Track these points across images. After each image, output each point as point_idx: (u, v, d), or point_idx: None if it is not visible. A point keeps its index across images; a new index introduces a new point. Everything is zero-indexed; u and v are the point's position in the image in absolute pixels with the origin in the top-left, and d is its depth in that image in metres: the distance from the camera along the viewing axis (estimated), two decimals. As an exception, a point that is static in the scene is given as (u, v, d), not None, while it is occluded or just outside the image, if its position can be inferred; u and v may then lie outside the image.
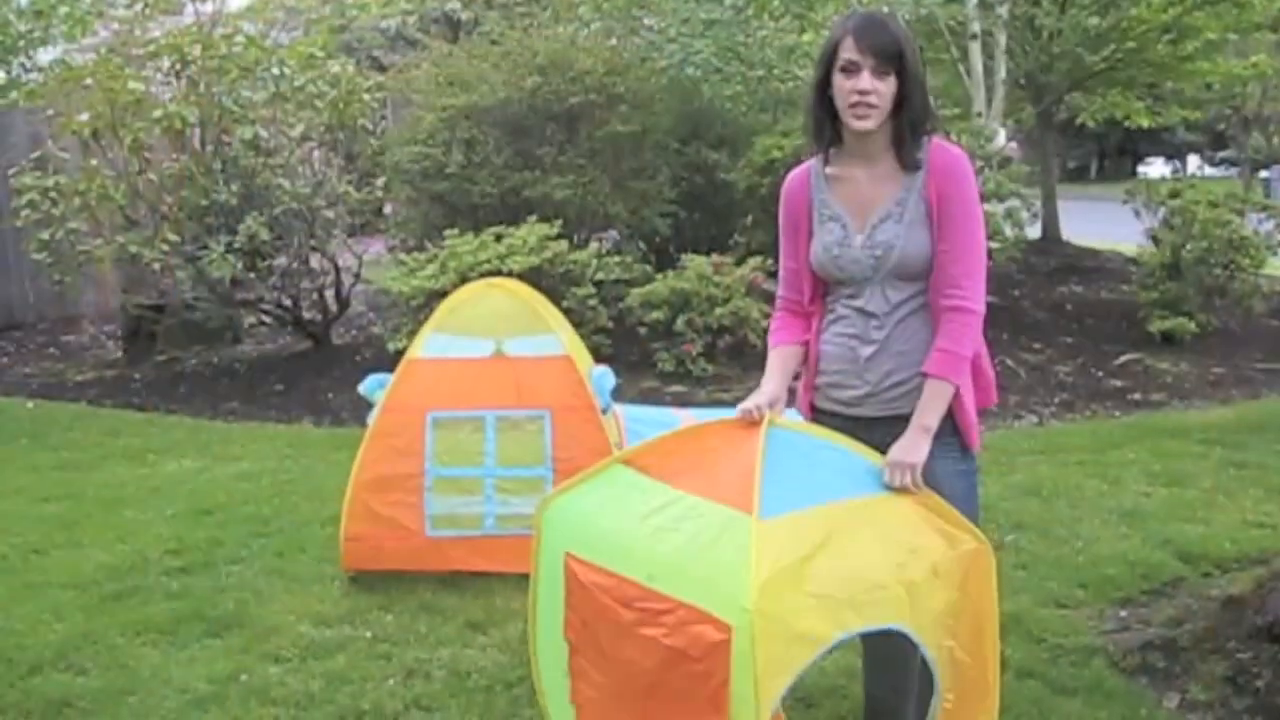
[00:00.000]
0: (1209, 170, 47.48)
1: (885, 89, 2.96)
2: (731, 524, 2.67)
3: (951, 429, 3.07)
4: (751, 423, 2.95)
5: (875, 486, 2.92)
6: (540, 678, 3.18)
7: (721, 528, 2.68)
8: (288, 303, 10.56)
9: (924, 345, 3.06)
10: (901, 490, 2.91)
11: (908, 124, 3.02)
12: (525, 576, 5.03)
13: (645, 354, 9.29)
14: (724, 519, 2.70)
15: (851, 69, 2.96)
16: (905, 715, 3.27)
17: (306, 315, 10.76)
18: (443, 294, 7.26)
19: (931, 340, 3.05)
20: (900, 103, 2.99)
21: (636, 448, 3.10)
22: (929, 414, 3.00)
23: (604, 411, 5.32)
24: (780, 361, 3.24)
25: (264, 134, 10.01)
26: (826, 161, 3.18)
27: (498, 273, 8.19)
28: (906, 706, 3.24)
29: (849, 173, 3.12)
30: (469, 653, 4.48)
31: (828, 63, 3.02)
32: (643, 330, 9.28)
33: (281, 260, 10.35)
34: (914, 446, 2.95)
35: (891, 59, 2.95)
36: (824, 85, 3.05)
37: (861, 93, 2.95)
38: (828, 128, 3.11)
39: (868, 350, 3.11)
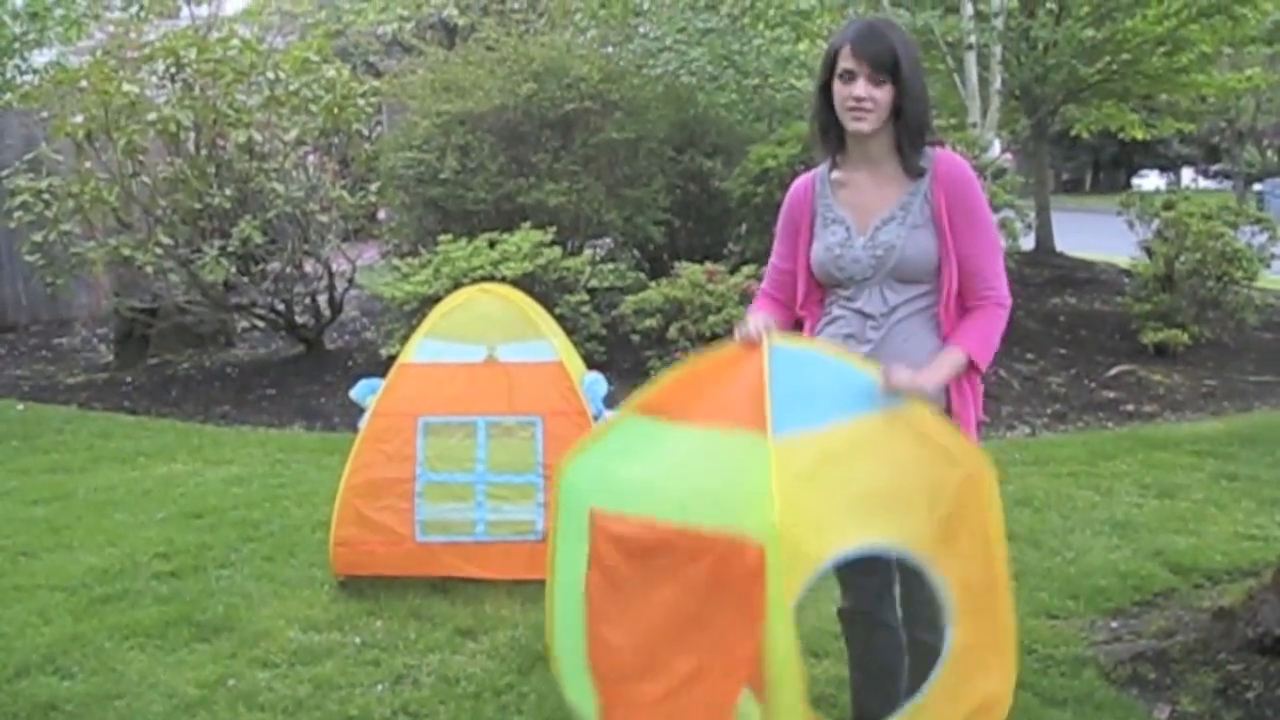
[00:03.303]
0: (1203, 183, 47.56)
1: (881, 95, 3.02)
2: (749, 447, 2.70)
3: None
4: (752, 344, 2.94)
5: (877, 404, 2.90)
6: (557, 651, 3.12)
7: (741, 452, 2.71)
8: (281, 307, 10.55)
9: (921, 348, 3.08)
10: (897, 387, 2.88)
11: (906, 129, 3.07)
12: (515, 583, 5.08)
13: (638, 361, 9.27)
14: (742, 443, 2.73)
15: (848, 76, 3.04)
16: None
17: (299, 320, 10.75)
18: (436, 299, 7.24)
19: (929, 344, 3.08)
20: (899, 109, 3.03)
21: (646, 393, 3.08)
22: (936, 370, 3.01)
23: (596, 418, 5.30)
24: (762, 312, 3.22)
25: (258, 138, 10.00)
26: (834, 167, 3.23)
27: (491, 279, 8.17)
28: (892, 712, 3.23)
29: (853, 178, 3.18)
30: (458, 659, 4.47)
31: (828, 69, 3.10)
32: (636, 338, 9.27)
33: (275, 264, 10.35)
34: (913, 373, 2.94)
35: (887, 67, 3.01)
36: (826, 91, 3.12)
37: (857, 99, 3.02)
38: (833, 133, 3.17)
39: (863, 350, 3.12)
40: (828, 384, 2.90)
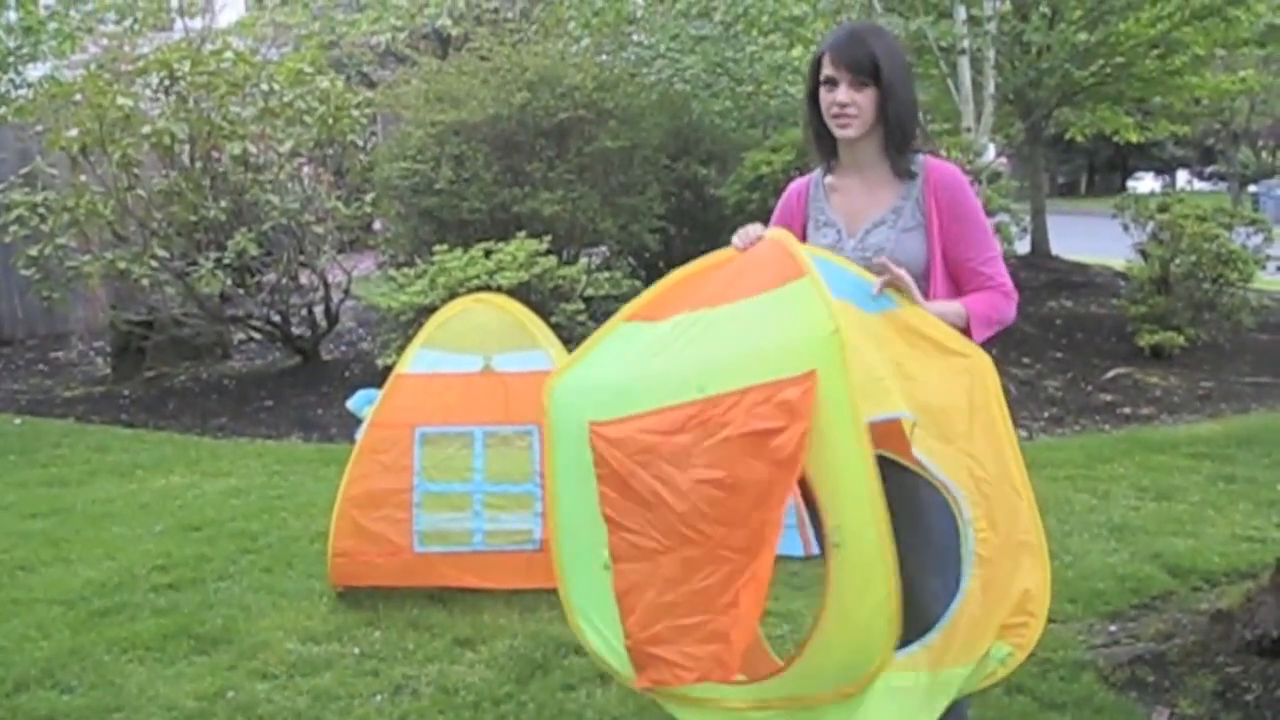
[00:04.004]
0: (1198, 185, 47.67)
1: (864, 100, 3.06)
2: (783, 295, 2.74)
3: None
4: (750, 243, 2.98)
5: (874, 306, 2.92)
6: (568, 592, 2.99)
7: (770, 305, 2.76)
8: (277, 319, 10.55)
9: None
10: (891, 281, 2.88)
11: (891, 131, 3.11)
12: (513, 593, 5.08)
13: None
14: (770, 299, 2.78)
15: (831, 83, 3.09)
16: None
17: (295, 331, 10.76)
18: (432, 309, 7.24)
19: None
20: (884, 112, 3.07)
21: (634, 302, 3.05)
22: (935, 304, 3.01)
23: (593, 426, 5.30)
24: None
25: (253, 150, 10.01)
26: (828, 172, 3.27)
27: (487, 288, 8.17)
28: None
29: (844, 183, 3.21)
30: (457, 669, 4.47)
31: (814, 77, 3.14)
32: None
33: (271, 276, 10.36)
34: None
35: (867, 71, 3.04)
36: (815, 99, 3.16)
37: (840, 105, 3.07)
38: (826, 139, 3.21)
39: None
40: (833, 278, 2.87)
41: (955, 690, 2.81)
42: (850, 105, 3.05)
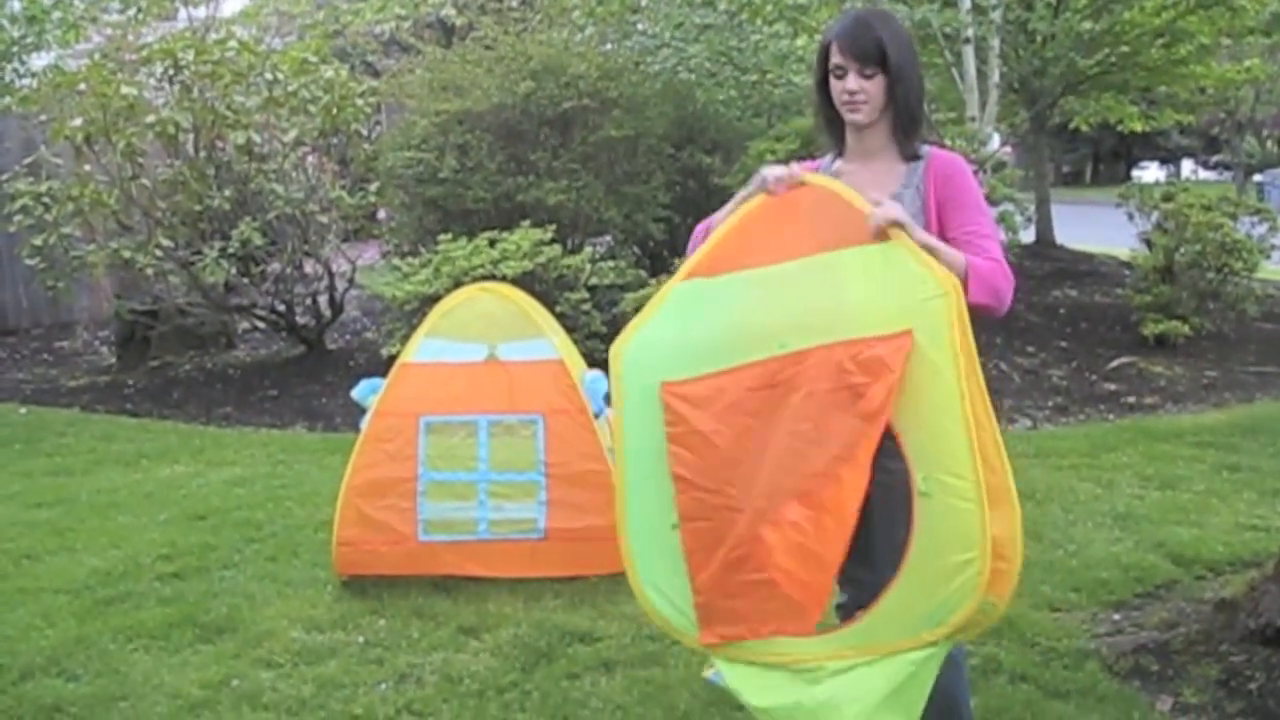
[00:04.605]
0: (1203, 174, 47.55)
1: (874, 87, 3.05)
2: (872, 254, 2.77)
3: None
4: (788, 187, 2.96)
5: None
6: (632, 557, 3.00)
7: (858, 263, 2.79)
8: (281, 308, 10.56)
9: None
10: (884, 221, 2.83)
11: (899, 115, 3.10)
12: (518, 581, 5.10)
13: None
14: (855, 257, 2.80)
15: (840, 72, 3.07)
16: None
17: (300, 320, 10.76)
18: (436, 299, 7.24)
19: None
20: (893, 96, 3.06)
21: (689, 262, 3.05)
22: (939, 244, 2.96)
23: (597, 416, 5.31)
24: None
25: (257, 139, 10.00)
26: (838, 157, 3.25)
27: (491, 277, 8.17)
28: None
29: (851, 169, 3.20)
30: (461, 658, 4.48)
31: (822, 64, 3.13)
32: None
33: (275, 265, 10.36)
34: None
35: (875, 59, 3.03)
36: (824, 86, 3.15)
37: (850, 93, 3.06)
38: (837, 124, 3.20)
39: None
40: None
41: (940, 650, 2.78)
42: (860, 93, 3.04)
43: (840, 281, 2.82)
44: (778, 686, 2.82)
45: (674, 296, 3.02)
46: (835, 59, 3.06)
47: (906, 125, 3.11)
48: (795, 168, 3.01)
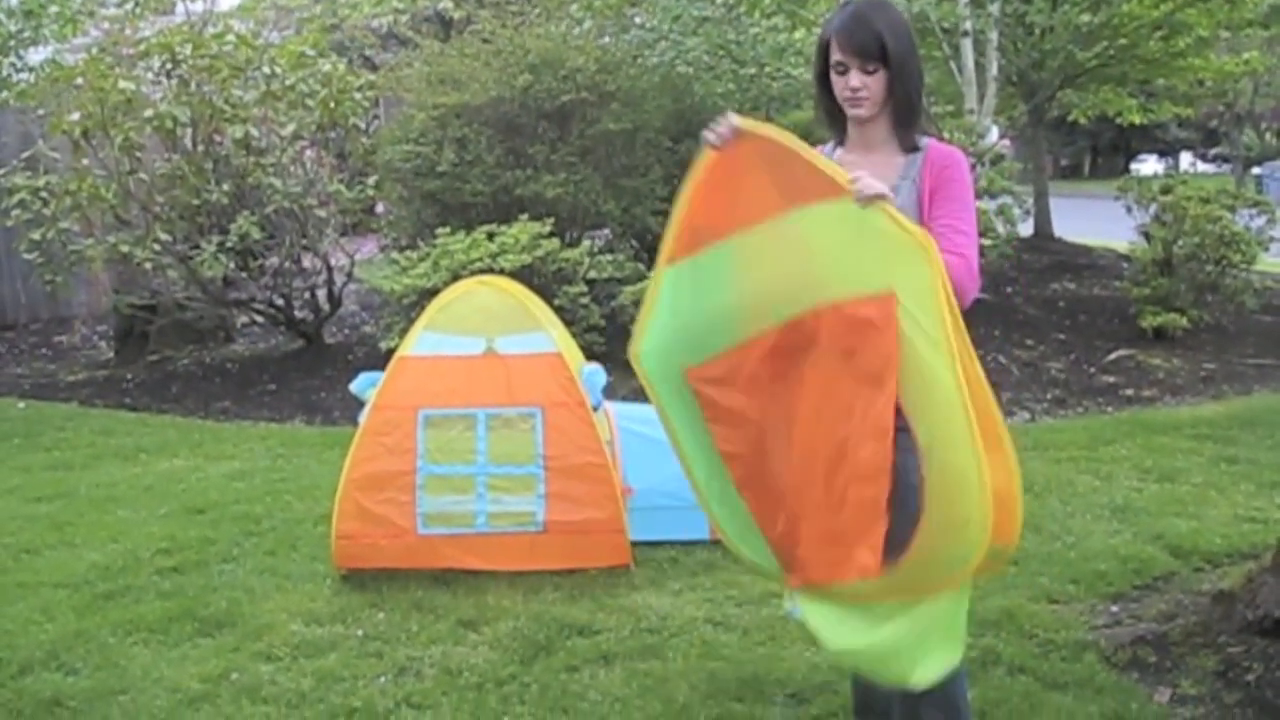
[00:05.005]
0: (1202, 167, 47.54)
1: (875, 83, 3.05)
2: (841, 212, 2.82)
3: None
4: (729, 141, 3.06)
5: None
6: (721, 525, 3.26)
7: (830, 221, 2.87)
8: (280, 302, 10.55)
9: None
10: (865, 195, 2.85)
11: (899, 107, 3.09)
12: (516, 574, 5.10)
13: (637, 352, 9.28)
14: (828, 214, 2.87)
15: (841, 68, 3.07)
16: (890, 708, 3.28)
17: (298, 314, 10.76)
18: (434, 292, 7.24)
19: None
20: (893, 88, 3.06)
21: (665, 247, 3.17)
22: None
23: (595, 409, 5.32)
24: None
25: (255, 133, 9.99)
26: (839, 146, 3.26)
27: (489, 271, 8.17)
28: (891, 699, 3.26)
29: (851, 159, 3.20)
30: (460, 650, 4.49)
31: (823, 59, 3.12)
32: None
33: (273, 259, 10.36)
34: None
35: (875, 55, 3.02)
36: (825, 79, 3.14)
37: (853, 89, 3.05)
38: (839, 116, 3.20)
39: None
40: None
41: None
42: (862, 89, 3.03)
43: (812, 242, 2.91)
44: (851, 630, 2.93)
45: (667, 284, 3.14)
46: (836, 55, 3.05)
47: (907, 117, 3.10)
48: (729, 117, 3.07)
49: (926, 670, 2.80)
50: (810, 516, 2.94)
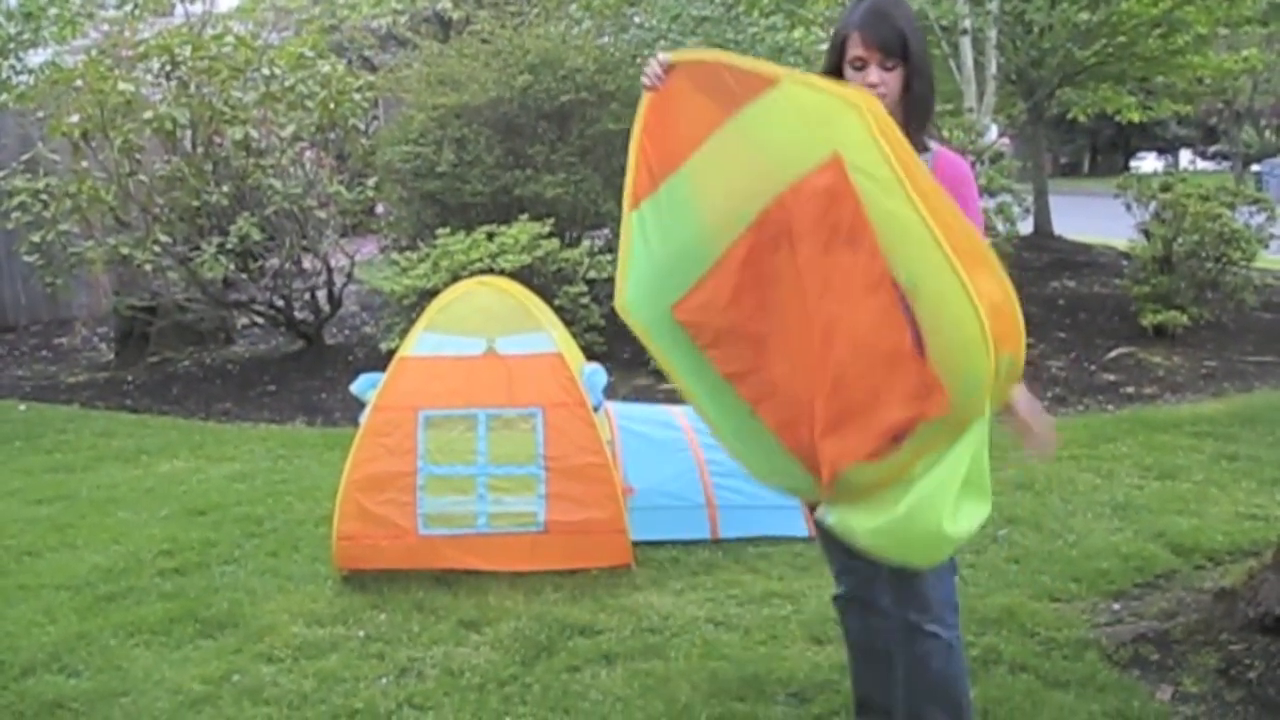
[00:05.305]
0: (1201, 164, 47.53)
1: (893, 79, 3.01)
2: (769, 104, 2.90)
3: None
4: (662, 78, 3.14)
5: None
6: (749, 464, 3.18)
7: (762, 115, 2.92)
8: (280, 303, 10.56)
9: None
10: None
11: (913, 105, 3.05)
12: (518, 575, 5.10)
13: (638, 352, 9.25)
14: (757, 112, 2.93)
15: (859, 64, 3.02)
16: (892, 706, 3.29)
17: (299, 315, 10.76)
18: (434, 293, 7.25)
19: None
20: (908, 86, 3.03)
21: (628, 188, 3.18)
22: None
23: (596, 409, 5.32)
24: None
25: (255, 135, 9.99)
26: None
27: (489, 271, 8.18)
28: (892, 697, 3.26)
29: None
30: (462, 651, 4.48)
31: (838, 55, 3.07)
32: (635, 328, 9.27)
33: (273, 261, 10.36)
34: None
35: (896, 50, 2.99)
36: (836, 75, 3.09)
37: (871, 85, 2.99)
38: None
39: None
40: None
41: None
42: (881, 85, 2.98)
43: (755, 138, 2.94)
44: (880, 504, 2.88)
45: (635, 229, 3.15)
46: (856, 51, 3.01)
47: (921, 116, 3.06)
48: (657, 55, 3.13)
49: (959, 524, 2.78)
50: (824, 401, 2.90)
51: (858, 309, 2.80)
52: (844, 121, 2.77)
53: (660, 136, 3.13)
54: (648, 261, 3.15)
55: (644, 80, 3.13)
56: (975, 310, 2.63)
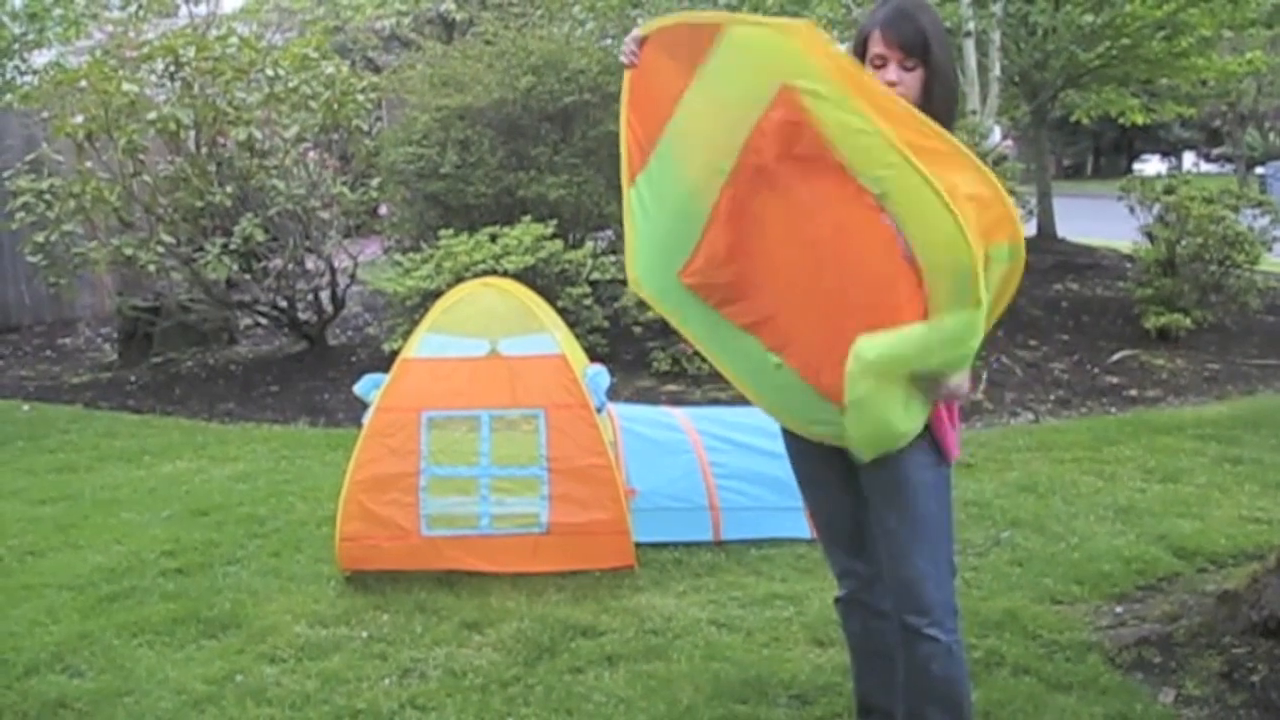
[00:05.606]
0: (1205, 167, 47.52)
1: (912, 80, 2.99)
2: (719, 59, 3.01)
3: (927, 433, 3.00)
4: (638, 53, 3.17)
5: None
6: (774, 407, 3.22)
7: (716, 72, 3.03)
8: (283, 304, 10.56)
9: None
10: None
11: (935, 111, 3.00)
12: (520, 576, 5.10)
13: (641, 353, 9.29)
14: (711, 70, 3.04)
15: (880, 61, 3.00)
16: (894, 709, 3.29)
17: (302, 316, 10.76)
18: (438, 294, 7.25)
19: None
20: (928, 90, 3.00)
21: (624, 167, 3.26)
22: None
23: (599, 410, 5.32)
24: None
25: (259, 135, 9.99)
26: None
27: (493, 273, 8.18)
28: (894, 699, 3.27)
29: None
30: (464, 652, 4.49)
31: (859, 54, 3.06)
32: (638, 329, 9.29)
33: (277, 262, 10.36)
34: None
35: (918, 51, 2.97)
36: None
37: (889, 84, 2.97)
38: None
39: None
40: None
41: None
42: (899, 85, 2.96)
43: (717, 92, 3.02)
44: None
45: (635, 204, 3.24)
46: (876, 48, 2.99)
47: (942, 120, 2.97)
48: (633, 32, 3.16)
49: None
50: (836, 335, 2.91)
51: (844, 232, 2.86)
52: (786, 49, 2.86)
53: (643, 110, 3.19)
54: (650, 233, 3.22)
55: (622, 58, 3.17)
56: (945, 204, 2.65)
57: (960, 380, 2.89)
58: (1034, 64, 13.22)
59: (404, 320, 9.06)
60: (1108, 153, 50.01)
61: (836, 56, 2.84)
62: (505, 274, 8.05)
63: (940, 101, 3.02)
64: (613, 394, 5.82)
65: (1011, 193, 10.19)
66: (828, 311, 2.91)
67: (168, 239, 9.70)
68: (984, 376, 8.65)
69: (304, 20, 18.03)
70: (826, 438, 3.08)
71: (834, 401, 2.91)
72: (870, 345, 2.79)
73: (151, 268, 9.75)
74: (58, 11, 14.79)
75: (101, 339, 12.54)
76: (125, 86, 9.44)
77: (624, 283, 9.60)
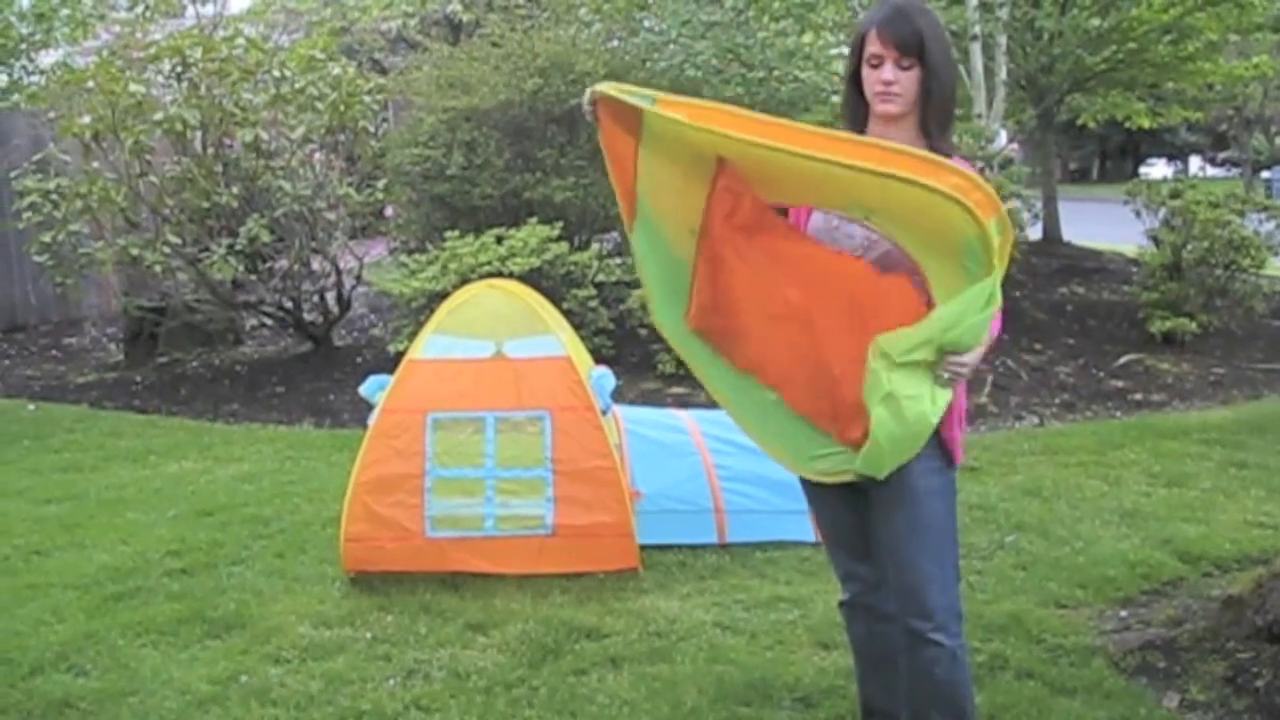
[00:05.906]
0: (1211, 171, 47.44)
1: (908, 79, 3.00)
2: (646, 123, 3.07)
3: (933, 437, 3.00)
4: (594, 109, 3.18)
5: None
6: (774, 447, 3.26)
7: (649, 139, 3.10)
8: (289, 305, 10.57)
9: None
10: None
11: (933, 111, 3.04)
12: (525, 577, 5.11)
13: (646, 355, 9.29)
14: (645, 138, 3.11)
15: (876, 60, 3.02)
16: (898, 712, 3.29)
17: (308, 317, 10.77)
18: (443, 296, 7.26)
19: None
20: (926, 91, 3.01)
21: (623, 213, 3.32)
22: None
23: (604, 413, 5.32)
24: None
25: (265, 136, 10.01)
26: None
27: (498, 274, 8.19)
28: (898, 702, 3.27)
29: None
30: (469, 654, 4.49)
31: (857, 54, 3.07)
32: (643, 332, 9.29)
33: (283, 262, 10.37)
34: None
35: (914, 50, 2.98)
36: (856, 76, 3.10)
37: (885, 83, 3.00)
38: (860, 115, 3.15)
39: None
40: None
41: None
42: (895, 84, 2.98)
43: (659, 168, 3.11)
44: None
45: (637, 249, 3.32)
46: (873, 48, 3.01)
47: (939, 122, 3.05)
48: (587, 92, 3.17)
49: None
50: (824, 378, 3.03)
51: (816, 285, 3.00)
52: (699, 139, 2.97)
53: (617, 166, 3.22)
54: (656, 276, 3.31)
55: (588, 117, 3.17)
56: (932, 189, 2.70)
57: (975, 357, 2.90)
58: (1040, 68, 13.21)
59: (409, 321, 9.07)
60: (1114, 157, 49.98)
61: (714, 111, 2.99)
62: (511, 276, 8.05)
63: (938, 101, 3.03)
64: (618, 396, 5.82)
65: (1017, 196, 10.22)
66: (818, 364, 3.02)
67: (174, 239, 9.70)
68: (989, 380, 8.65)
69: (310, 21, 18.04)
70: (830, 473, 3.11)
71: (834, 434, 3.05)
72: (891, 339, 2.85)
73: (157, 268, 9.76)
74: (65, 12, 14.81)
75: (107, 339, 12.55)
76: (132, 87, 9.46)
77: (629, 284, 9.65)
